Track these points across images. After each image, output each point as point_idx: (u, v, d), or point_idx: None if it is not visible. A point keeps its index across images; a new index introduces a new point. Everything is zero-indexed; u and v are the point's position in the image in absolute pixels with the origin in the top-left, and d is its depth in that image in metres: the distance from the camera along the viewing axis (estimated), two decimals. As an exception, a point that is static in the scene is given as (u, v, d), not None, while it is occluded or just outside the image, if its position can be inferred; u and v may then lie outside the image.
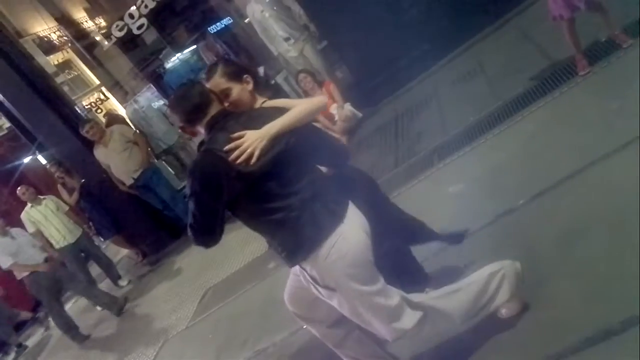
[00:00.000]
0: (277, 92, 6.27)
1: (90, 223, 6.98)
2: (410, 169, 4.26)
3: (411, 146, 4.61)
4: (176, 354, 4.39)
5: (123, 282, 6.78)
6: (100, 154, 6.31)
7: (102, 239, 7.59)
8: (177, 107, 2.09)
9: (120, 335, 5.52)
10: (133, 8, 6.44)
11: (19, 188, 6.36)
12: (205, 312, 4.67)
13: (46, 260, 5.71)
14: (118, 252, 7.90)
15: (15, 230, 5.90)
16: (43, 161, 10.60)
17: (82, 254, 6.61)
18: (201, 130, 2.07)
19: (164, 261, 6.64)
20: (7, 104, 6.76)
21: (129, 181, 6.31)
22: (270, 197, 1.98)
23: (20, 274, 5.68)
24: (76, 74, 10.04)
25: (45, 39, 9.36)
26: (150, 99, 7.21)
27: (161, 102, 7.23)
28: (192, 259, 6.07)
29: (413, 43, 5.51)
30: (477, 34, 5.39)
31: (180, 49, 7.66)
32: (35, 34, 9.13)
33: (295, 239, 2.00)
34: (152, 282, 6.40)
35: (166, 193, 6.43)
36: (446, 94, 4.99)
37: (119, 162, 6.26)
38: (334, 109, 5.84)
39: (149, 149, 6.63)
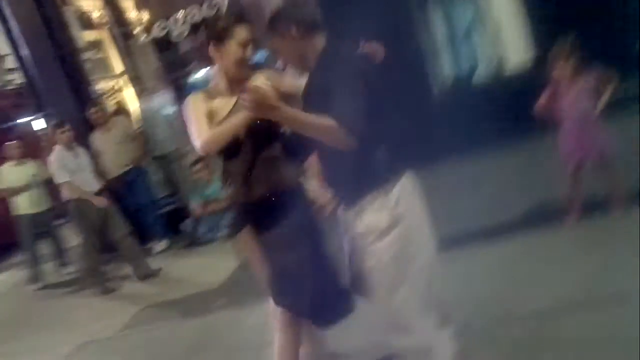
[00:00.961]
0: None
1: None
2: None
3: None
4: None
5: (68, 269, 6.64)
6: (97, 139, 6.29)
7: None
8: None
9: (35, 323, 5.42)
10: (180, 13, 6.58)
11: (12, 143, 6.33)
12: (134, 328, 4.53)
13: (100, 193, 5.54)
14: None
15: (81, 149, 5.76)
16: (36, 127, 10.62)
17: (39, 229, 6.47)
18: None
19: (118, 263, 6.49)
20: (28, 60, 6.83)
21: (116, 173, 6.25)
22: None
23: (68, 195, 5.49)
24: (103, 56, 10.05)
25: (86, 14, 9.45)
26: (163, 104, 7.24)
27: (172, 109, 7.26)
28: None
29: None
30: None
31: (208, 67, 7.75)
32: (79, 6, 9.21)
33: None
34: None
35: (145, 197, 6.38)
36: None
37: (113, 151, 6.24)
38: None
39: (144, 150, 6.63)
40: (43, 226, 6.49)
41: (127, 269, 5.78)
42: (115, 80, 8.57)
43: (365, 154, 1.96)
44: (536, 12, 5.22)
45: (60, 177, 5.41)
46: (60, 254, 6.75)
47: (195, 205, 6.25)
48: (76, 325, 4.98)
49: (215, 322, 4.12)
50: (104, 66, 9.56)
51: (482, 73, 5.72)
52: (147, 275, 5.56)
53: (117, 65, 9.84)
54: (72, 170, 5.40)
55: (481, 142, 5.13)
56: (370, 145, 1.96)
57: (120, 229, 5.61)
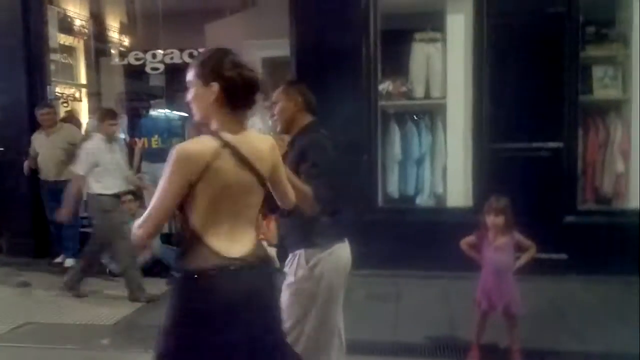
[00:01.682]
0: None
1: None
2: None
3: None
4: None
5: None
6: (38, 139, 6.15)
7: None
8: None
9: None
10: (160, 51, 6.72)
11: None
12: (6, 343, 4.21)
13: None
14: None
15: (117, 146, 5.47)
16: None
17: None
18: None
19: (12, 269, 6.14)
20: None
21: (49, 178, 6.11)
22: None
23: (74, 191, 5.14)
24: (71, 63, 9.94)
25: (69, 19, 9.45)
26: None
27: (122, 136, 7.20)
28: (43, 284, 5.70)
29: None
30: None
31: (172, 107, 7.83)
32: (64, 9, 9.21)
33: None
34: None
35: None
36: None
37: (50, 156, 6.10)
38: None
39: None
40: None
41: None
42: (74, 89, 8.47)
43: (314, 219, 2.51)
44: (483, 165, 5.65)
45: (80, 168, 5.09)
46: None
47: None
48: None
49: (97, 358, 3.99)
50: (68, 72, 9.43)
51: (425, 198, 6.05)
52: (140, 299, 5.10)
53: (81, 75, 9.77)
54: (100, 164, 5.09)
55: (411, 261, 5.35)
56: (321, 213, 2.50)
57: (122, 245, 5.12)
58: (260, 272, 1.93)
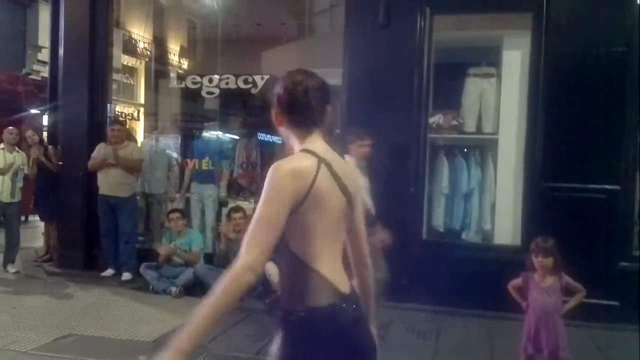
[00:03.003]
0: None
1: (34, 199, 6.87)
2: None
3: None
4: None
5: (12, 269, 6.44)
6: (104, 148, 6.38)
7: (39, 218, 7.43)
8: None
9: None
10: (216, 76, 6.91)
11: (9, 128, 6.41)
12: (51, 351, 4.30)
13: None
14: (31, 241, 7.60)
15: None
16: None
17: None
18: None
19: (63, 280, 6.35)
20: (61, 60, 7.05)
21: (106, 192, 6.34)
22: None
23: None
24: (131, 83, 10.37)
25: (133, 41, 9.89)
26: (166, 146, 7.37)
27: (174, 155, 7.40)
28: (89, 296, 5.81)
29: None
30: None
31: (224, 130, 8.01)
32: (129, 31, 9.64)
33: None
34: (32, 288, 6.08)
35: (126, 225, 6.36)
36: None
37: (112, 174, 6.31)
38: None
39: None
40: (6, 217, 6.40)
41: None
42: (132, 108, 8.81)
43: None
44: (534, 203, 5.47)
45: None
46: (10, 251, 6.57)
47: (162, 248, 6.20)
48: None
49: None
50: (128, 92, 9.85)
51: (472, 233, 5.92)
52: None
53: (140, 95, 10.17)
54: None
55: (454, 298, 5.22)
56: None
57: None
58: (362, 309, 1.78)
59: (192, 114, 8.42)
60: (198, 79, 6.95)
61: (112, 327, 4.95)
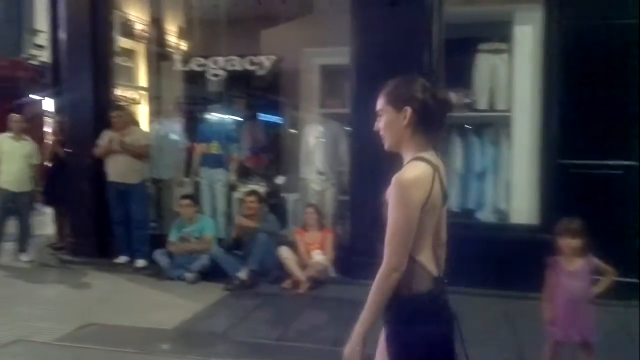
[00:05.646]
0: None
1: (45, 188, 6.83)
2: None
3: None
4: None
5: (26, 258, 6.43)
6: (107, 136, 6.31)
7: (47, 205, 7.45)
8: None
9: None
10: (221, 58, 6.80)
11: (15, 115, 6.33)
12: (71, 340, 4.31)
13: None
14: (41, 228, 7.58)
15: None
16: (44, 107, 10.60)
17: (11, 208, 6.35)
18: None
19: (77, 268, 6.36)
20: (62, 44, 6.93)
21: (114, 179, 6.30)
22: None
23: None
24: (131, 65, 10.21)
25: (129, 23, 9.71)
26: (173, 130, 7.28)
27: (182, 139, 7.31)
28: (105, 284, 5.82)
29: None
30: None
31: (230, 112, 7.91)
32: (125, 13, 9.45)
33: None
34: (48, 277, 6.09)
35: (137, 213, 6.35)
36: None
37: (118, 160, 6.27)
38: (317, 254, 5.88)
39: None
40: (17, 206, 6.36)
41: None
42: (135, 92, 8.67)
43: None
44: (550, 181, 5.44)
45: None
46: (23, 240, 6.55)
47: (172, 240, 6.15)
48: (13, 318, 4.73)
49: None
50: (128, 75, 9.71)
51: (487, 213, 5.89)
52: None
53: (142, 79, 10.03)
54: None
55: (470, 278, 5.21)
56: None
57: None
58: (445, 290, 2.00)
59: (197, 96, 8.30)
60: (203, 60, 6.84)
61: (131, 315, 4.95)
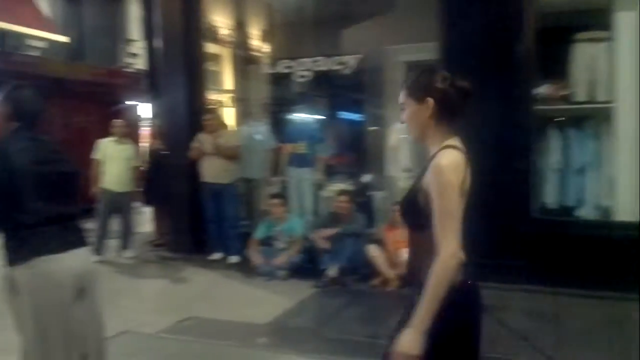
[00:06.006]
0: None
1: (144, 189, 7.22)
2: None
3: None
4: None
5: (129, 254, 6.83)
6: (205, 139, 6.57)
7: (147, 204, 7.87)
8: None
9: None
10: (307, 59, 6.89)
11: (117, 120, 6.75)
12: (172, 332, 4.51)
13: None
14: (140, 226, 8.01)
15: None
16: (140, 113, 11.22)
17: (115, 207, 6.76)
18: None
19: (175, 264, 6.67)
20: (157, 52, 7.30)
21: (209, 180, 6.56)
22: None
23: None
24: (217, 70, 10.54)
25: (213, 28, 10.05)
26: (261, 131, 7.44)
27: (270, 139, 7.44)
28: (202, 280, 6.06)
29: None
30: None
31: (314, 112, 7.99)
32: (210, 19, 9.78)
33: None
34: (150, 272, 6.44)
35: (229, 211, 6.59)
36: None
37: (213, 161, 6.53)
38: (406, 252, 5.80)
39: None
40: (120, 206, 6.76)
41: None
42: (222, 95, 8.97)
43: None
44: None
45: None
46: (125, 237, 6.96)
47: (259, 238, 6.31)
48: (120, 311, 5.02)
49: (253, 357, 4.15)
50: (215, 79, 10.06)
51: (588, 210, 5.59)
52: None
53: (227, 82, 10.36)
54: None
55: (571, 278, 5.00)
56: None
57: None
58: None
59: (283, 97, 8.46)
60: (290, 62, 6.95)
61: (227, 309, 5.12)
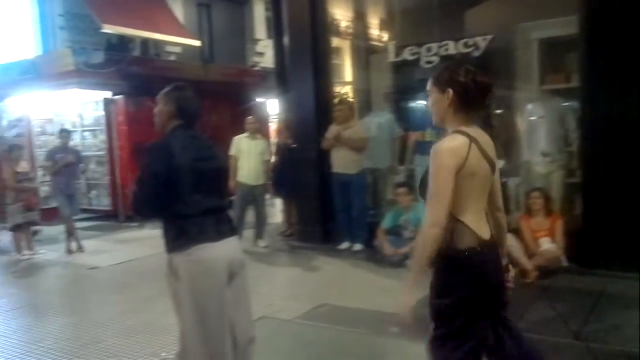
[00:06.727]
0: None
1: (274, 181, 7.50)
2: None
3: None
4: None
5: (262, 243, 7.16)
6: (332, 130, 6.69)
7: (277, 196, 8.21)
8: None
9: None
10: (434, 44, 6.70)
11: (250, 117, 7.07)
12: (308, 318, 4.62)
13: None
14: (271, 217, 8.35)
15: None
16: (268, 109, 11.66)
17: (249, 199, 7.10)
18: None
19: (306, 253, 6.84)
20: (286, 50, 7.51)
21: (339, 170, 6.66)
22: None
23: None
24: (338, 62, 10.61)
25: (334, 22, 10.12)
26: (386, 120, 7.34)
27: (392, 128, 7.36)
28: (332, 268, 6.17)
29: None
30: None
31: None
32: (331, 13, 9.86)
33: None
34: (282, 261, 6.69)
35: (358, 201, 6.65)
36: None
37: (342, 152, 6.63)
38: (545, 242, 5.49)
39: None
40: (254, 198, 7.11)
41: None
42: (343, 87, 9.04)
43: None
44: None
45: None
46: (259, 227, 7.31)
47: (387, 227, 6.29)
48: (257, 298, 5.25)
49: (386, 346, 4.13)
50: (337, 71, 10.15)
51: None
52: None
53: (347, 74, 10.41)
54: None
55: None
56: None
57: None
58: (497, 252, 2.29)
59: (407, 86, 8.33)
60: (416, 49, 6.81)
61: (358, 297, 5.15)
